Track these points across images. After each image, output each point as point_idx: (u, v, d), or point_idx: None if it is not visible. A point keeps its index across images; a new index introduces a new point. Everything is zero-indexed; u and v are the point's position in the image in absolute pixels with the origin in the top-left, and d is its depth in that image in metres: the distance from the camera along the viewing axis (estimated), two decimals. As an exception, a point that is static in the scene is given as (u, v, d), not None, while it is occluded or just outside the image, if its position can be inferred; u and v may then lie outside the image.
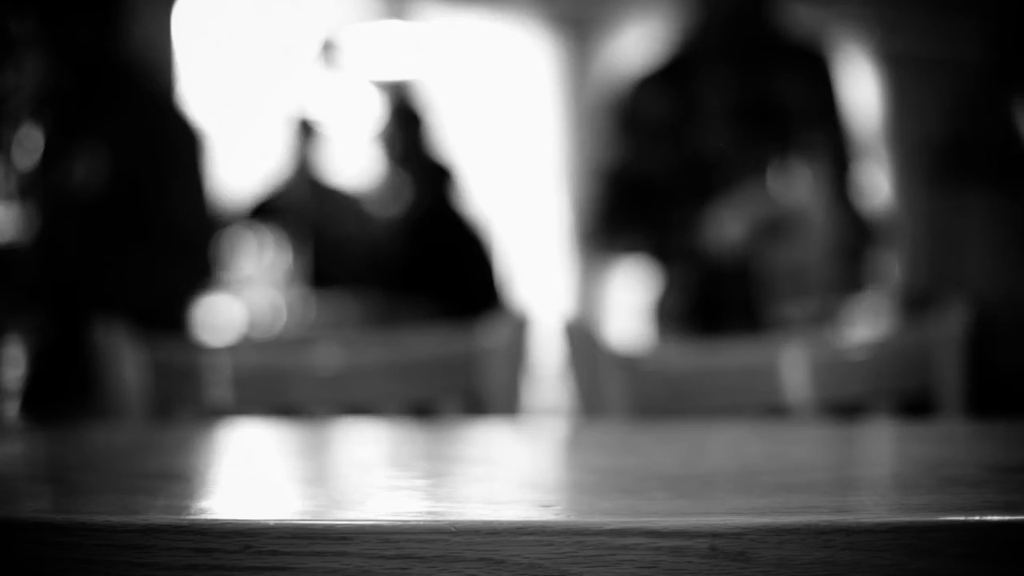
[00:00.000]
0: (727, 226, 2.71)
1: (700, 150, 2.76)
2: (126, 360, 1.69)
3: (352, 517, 0.79)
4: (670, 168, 2.83)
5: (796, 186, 2.76)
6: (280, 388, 1.68)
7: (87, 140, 2.66)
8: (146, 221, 2.69)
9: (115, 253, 2.68)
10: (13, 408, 2.64)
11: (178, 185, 2.75)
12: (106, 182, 2.64)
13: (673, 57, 2.90)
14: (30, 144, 2.67)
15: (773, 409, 1.63)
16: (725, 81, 2.81)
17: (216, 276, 2.96)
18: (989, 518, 0.75)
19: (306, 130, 4.51)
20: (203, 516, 0.81)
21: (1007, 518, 0.76)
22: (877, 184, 3.30)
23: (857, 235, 2.90)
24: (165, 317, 2.67)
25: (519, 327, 1.66)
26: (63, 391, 2.67)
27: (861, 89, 5.82)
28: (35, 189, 2.66)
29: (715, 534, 0.75)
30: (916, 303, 5.34)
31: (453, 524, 0.78)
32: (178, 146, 2.78)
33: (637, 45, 4.10)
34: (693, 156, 2.74)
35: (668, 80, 2.86)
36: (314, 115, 4.60)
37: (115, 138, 2.68)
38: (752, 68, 2.83)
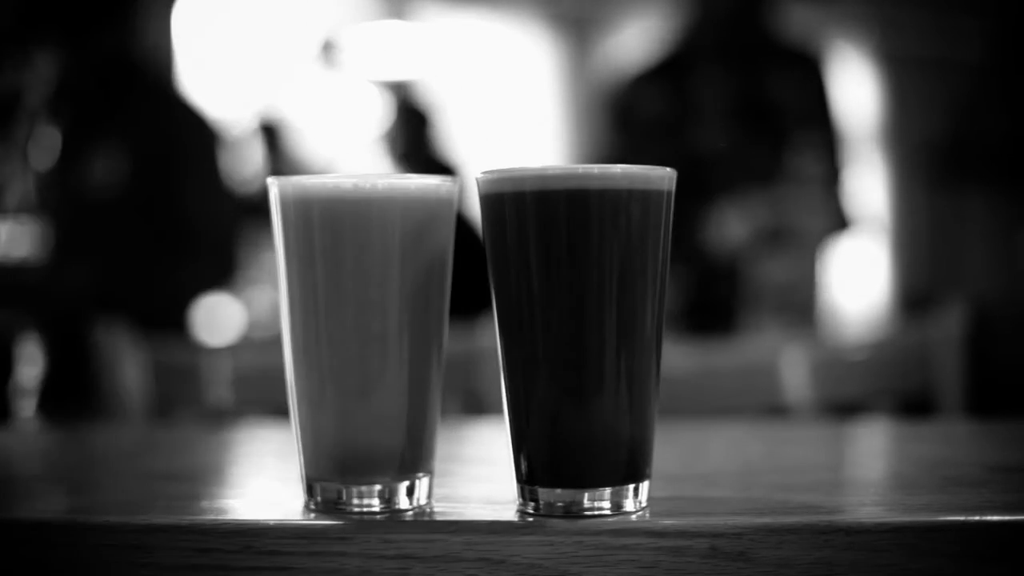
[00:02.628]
0: (730, 226, 2.71)
1: (695, 148, 2.76)
2: (126, 360, 1.69)
3: (352, 517, 0.80)
4: (664, 166, 2.82)
5: (800, 195, 2.76)
6: (280, 388, 1.68)
7: (105, 139, 2.65)
8: (165, 222, 2.67)
9: (134, 254, 2.67)
10: (29, 407, 2.64)
11: (196, 185, 2.74)
12: (125, 182, 2.63)
13: (669, 55, 2.91)
14: (48, 143, 2.67)
15: (773, 409, 1.63)
16: (720, 80, 2.81)
17: (235, 275, 2.94)
18: (989, 518, 0.75)
19: (270, 134, 4.52)
20: (203, 516, 0.81)
21: (1007, 518, 0.76)
22: (871, 184, 3.30)
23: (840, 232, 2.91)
24: (181, 317, 2.66)
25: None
26: (73, 392, 2.67)
27: (860, 89, 5.82)
28: (53, 189, 2.65)
29: (715, 534, 0.75)
30: (916, 303, 5.34)
31: (453, 524, 0.78)
32: (196, 146, 2.77)
33: (635, 43, 4.10)
34: (688, 154, 2.73)
35: (664, 78, 2.86)
36: (280, 117, 4.62)
37: (133, 138, 2.67)
38: (747, 68, 2.83)
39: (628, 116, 2.87)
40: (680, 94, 2.82)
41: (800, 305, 2.74)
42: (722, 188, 2.73)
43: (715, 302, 2.75)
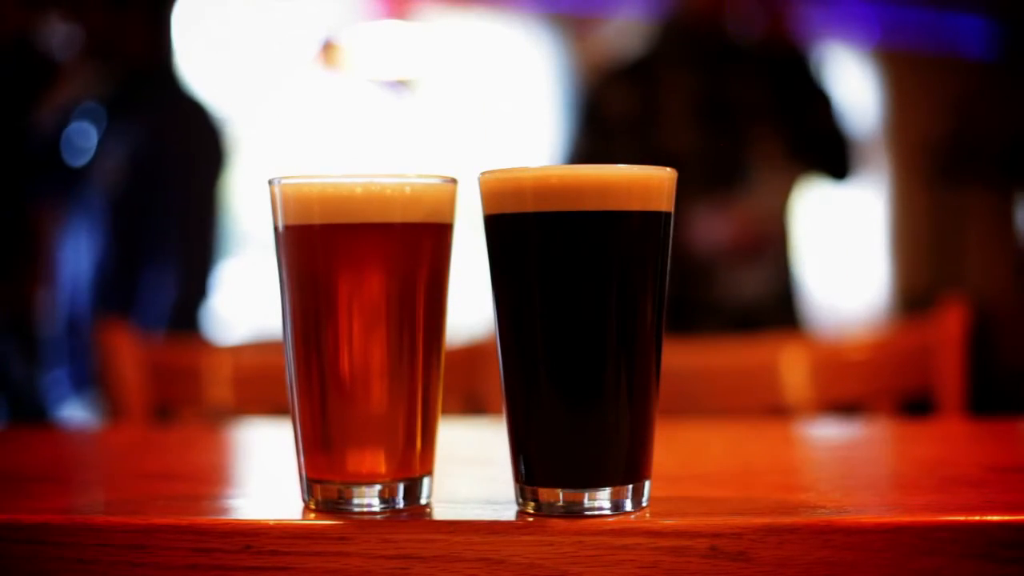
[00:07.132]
0: (714, 227, 2.70)
1: (663, 147, 2.76)
2: (126, 360, 1.69)
3: (352, 517, 0.80)
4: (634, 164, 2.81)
5: (776, 200, 2.76)
6: (280, 388, 1.68)
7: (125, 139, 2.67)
8: (164, 223, 2.68)
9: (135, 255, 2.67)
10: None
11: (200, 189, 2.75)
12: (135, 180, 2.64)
13: (638, 56, 2.91)
14: (81, 143, 2.70)
15: (773, 409, 1.63)
16: (688, 80, 2.80)
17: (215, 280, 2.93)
18: (989, 518, 0.75)
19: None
20: (203, 516, 0.81)
21: (1007, 518, 0.76)
22: (871, 184, 3.29)
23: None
24: (177, 320, 2.65)
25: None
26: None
27: (857, 89, 5.81)
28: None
29: (715, 534, 0.75)
30: (916, 303, 5.34)
31: (453, 524, 0.78)
32: (209, 152, 2.79)
33: (614, 42, 4.09)
34: (656, 152, 2.72)
35: (632, 78, 2.86)
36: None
37: (152, 139, 2.69)
38: (714, 68, 2.83)
39: (596, 113, 2.87)
40: (648, 93, 2.81)
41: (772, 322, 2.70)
42: (689, 188, 2.73)
43: (680, 306, 2.73)
